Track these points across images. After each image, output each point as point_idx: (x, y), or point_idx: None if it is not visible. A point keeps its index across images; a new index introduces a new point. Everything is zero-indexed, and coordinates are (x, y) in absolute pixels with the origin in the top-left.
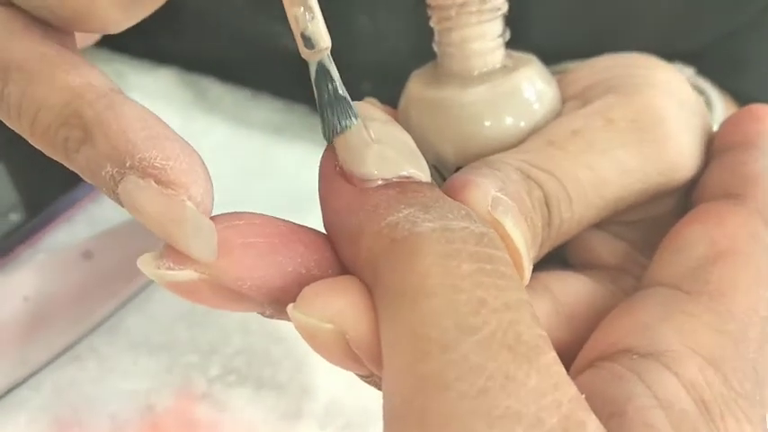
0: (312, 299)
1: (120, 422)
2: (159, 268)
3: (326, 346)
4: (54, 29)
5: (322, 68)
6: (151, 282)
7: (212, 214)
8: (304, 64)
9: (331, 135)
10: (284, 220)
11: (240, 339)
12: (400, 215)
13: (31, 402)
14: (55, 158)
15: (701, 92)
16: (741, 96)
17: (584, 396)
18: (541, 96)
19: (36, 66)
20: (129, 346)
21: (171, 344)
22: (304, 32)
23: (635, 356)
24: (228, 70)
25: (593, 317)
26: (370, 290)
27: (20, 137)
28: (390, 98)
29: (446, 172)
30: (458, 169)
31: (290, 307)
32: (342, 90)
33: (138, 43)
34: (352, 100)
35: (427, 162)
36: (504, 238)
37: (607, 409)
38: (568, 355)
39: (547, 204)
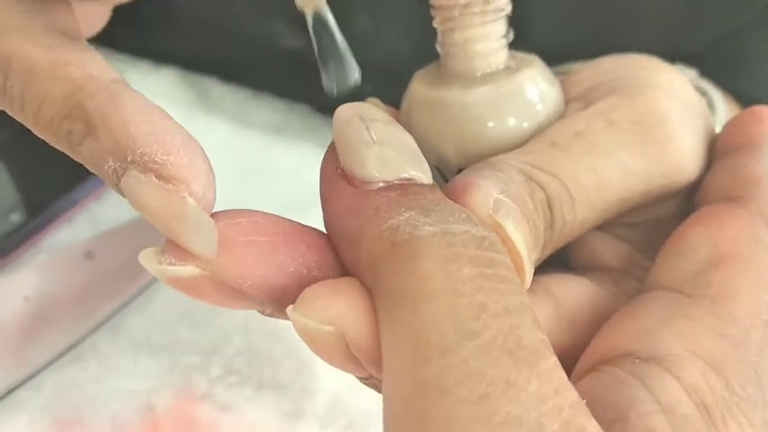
0: (312, 300)
1: (121, 422)
2: (161, 263)
3: (326, 349)
4: (57, 17)
5: (319, 18)
6: (153, 282)
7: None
8: (305, 64)
9: (336, 87)
10: (287, 219)
11: (241, 340)
12: (401, 218)
13: (31, 402)
14: (60, 149)
15: (703, 93)
16: (743, 96)
17: (585, 401)
18: (544, 97)
19: (38, 57)
20: (131, 347)
21: (172, 344)
22: None
23: (637, 361)
24: (230, 70)
25: (594, 320)
26: (371, 292)
27: (21, 137)
28: (392, 99)
29: (448, 173)
30: (460, 170)
31: (289, 308)
32: (342, 42)
33: (139, 43)
34: (353, 101)
35: (429, 163)
36: (506, 241)
37: (609, 414)
38: (570, 359)
39: (549, 206)
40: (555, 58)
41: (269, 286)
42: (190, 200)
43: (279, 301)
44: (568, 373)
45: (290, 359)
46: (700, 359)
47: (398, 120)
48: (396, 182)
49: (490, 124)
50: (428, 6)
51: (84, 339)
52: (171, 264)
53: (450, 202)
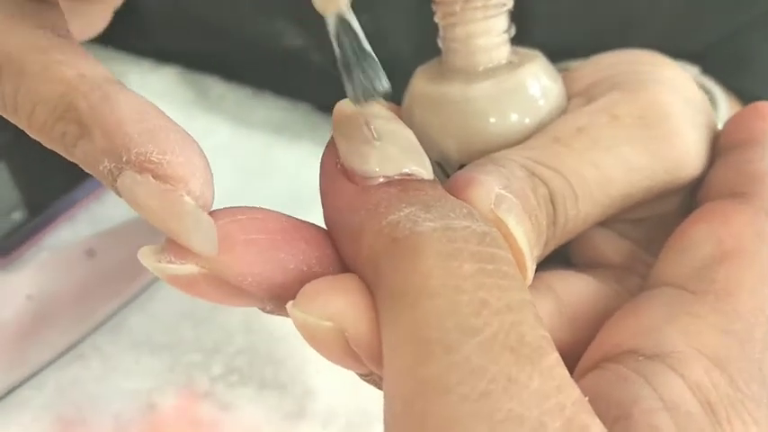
0: (312, 297)
1: (123, 421)
2: (160, 262)
3: (326, 345)
4: (47, 15)
5: (342, 22)
6: (154, 281)
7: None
8: (305, 63)
9: (363, 98)
10: (286, 215)
11: (243, 339)
12: (401, 214)
13: (33, 401)
14: (55, 150)
15: (705, 91)
16: (745, 95)
17: (587, 399)
18: (547, 93)
19: (28, 58)
20: (132, 345)
21: (173, 343)
22: None
23: (640, 358)
24: (230, 69)
25: (596, 317)
26: (371, 289)
27: (22, 137)
28: (392, 97)
29: (450, 169)
30: (461, 166)
31: (289, 304)
32: (367, 46)
33: (139, 42)
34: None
35: (431, 159)
36: (507, 236)
37: (612, 412)
38: (572, 357)
39: (552, 202)
40: (555, 56)
41: (269, 284)
42: (187, 198)
43: (279, 298)
44: (570, 371)
45: (291, 359)
46: (704, 356)
47: (400, 116)
48: (396, 177)
49: (492, 120)
50: (428, 4)
51: (86, 338)
52: (170, 262)
53: (452, 197)
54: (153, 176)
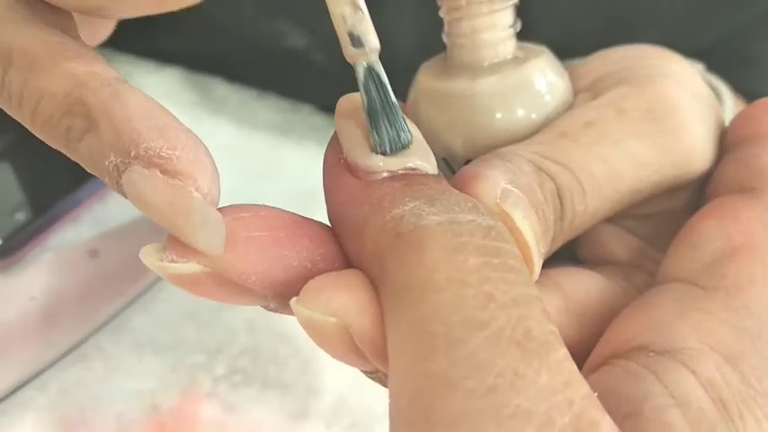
0: (316, 293)
1: (126, 422)
2: (162, 260)
3: (330, 341)
4: (59, 18)
5: (371, 72)
6: (157, 281)
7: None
8: (309, 64)
9: (388, 148)
10: (289, 212)
11: (246, 339)
12: (405, 208)
13: (36, 402)
14: (55, 148)
15: (710, 87)
16: (750, 94)
17: (597, 394)
18: (553, 88)
19: (39, 52)
20: (135, 346)
21: (176, 343)
22: (352, 31)
23: (651, 354)
24: (234, 70)
25: (604, 314)
26: (375, 284)
27: (26, 138)
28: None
29: (456, 165)
30: (467, 162)
31: (293, 301)
32: (393, 97)
33: (142, 43)
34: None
35: (437, 155)
36: (513, 230)
37: (622, 408)
38: (580, 354)
39: (559, 197)
40: (559, 55)
41: (272, 281)
42: (196, 194)
43: (283, 295)
44: (579, 368)
45: (295, 358)
46: (715, 352)
47: (405, 112)
48: (400, 172)
49: (498, 115)
50: (431, 1)
51: (89, 338)
52: (172, 261)
53: (456, 191)
54: (161, 172)
